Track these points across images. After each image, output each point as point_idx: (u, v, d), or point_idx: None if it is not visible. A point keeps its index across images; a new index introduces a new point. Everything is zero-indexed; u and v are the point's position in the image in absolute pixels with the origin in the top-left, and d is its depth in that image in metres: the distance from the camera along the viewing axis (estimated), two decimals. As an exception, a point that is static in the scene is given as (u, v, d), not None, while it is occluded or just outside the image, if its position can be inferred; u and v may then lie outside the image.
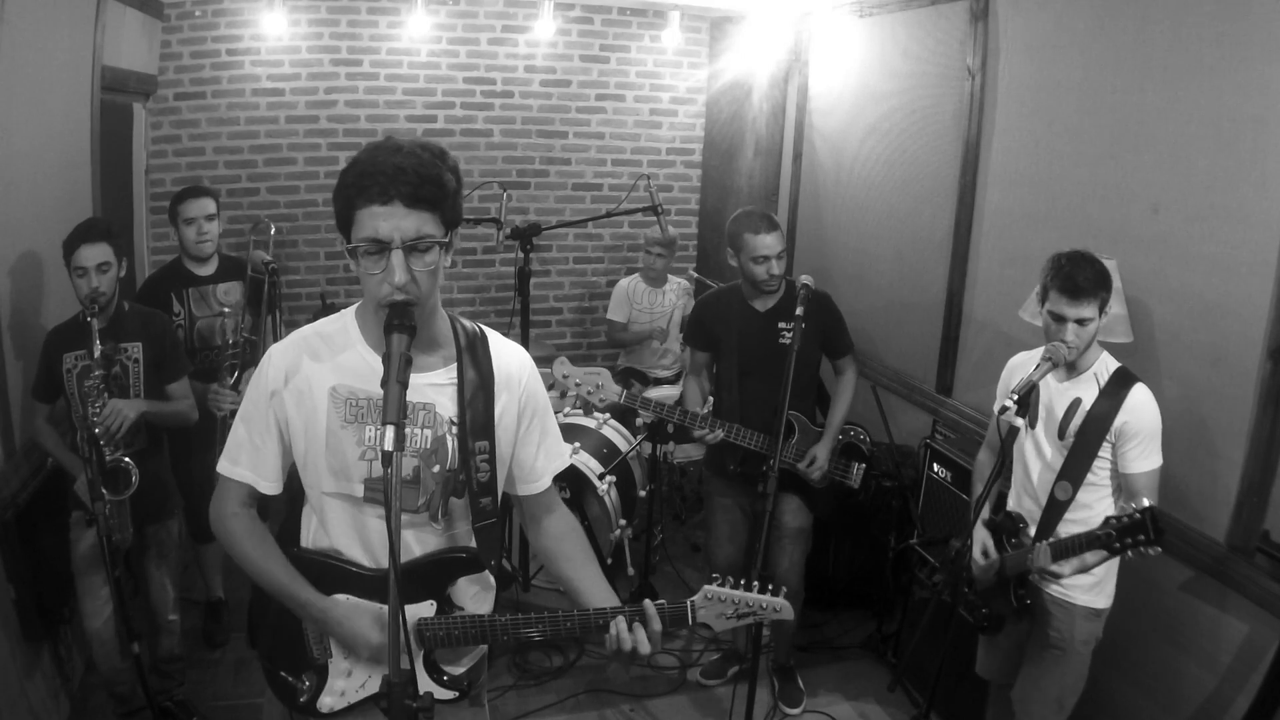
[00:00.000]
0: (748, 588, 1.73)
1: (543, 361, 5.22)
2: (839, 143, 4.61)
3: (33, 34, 3.00)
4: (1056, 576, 2.37)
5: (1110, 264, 2.72)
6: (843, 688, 3.52)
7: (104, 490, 2.58)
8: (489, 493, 1.69)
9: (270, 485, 1.68)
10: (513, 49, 5.23)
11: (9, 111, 2.85)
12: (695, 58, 5.57)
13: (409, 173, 1.45)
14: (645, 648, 1.67)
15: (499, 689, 3.35)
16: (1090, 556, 2.28)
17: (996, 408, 2.71)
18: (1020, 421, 2.36)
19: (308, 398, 1.62)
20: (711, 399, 3.39)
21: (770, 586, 1.75)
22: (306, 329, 1.69)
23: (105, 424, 2.61)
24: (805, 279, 3.03)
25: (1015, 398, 2.29)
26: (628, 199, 4.78)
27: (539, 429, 1.79)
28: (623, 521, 4.02)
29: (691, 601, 1.72)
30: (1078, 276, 2.31)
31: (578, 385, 3.06)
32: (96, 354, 2.63)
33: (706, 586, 1.72)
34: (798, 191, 5.05)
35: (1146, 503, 2.16)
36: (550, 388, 3.90)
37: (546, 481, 1.82)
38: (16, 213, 2.92)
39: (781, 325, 3.12)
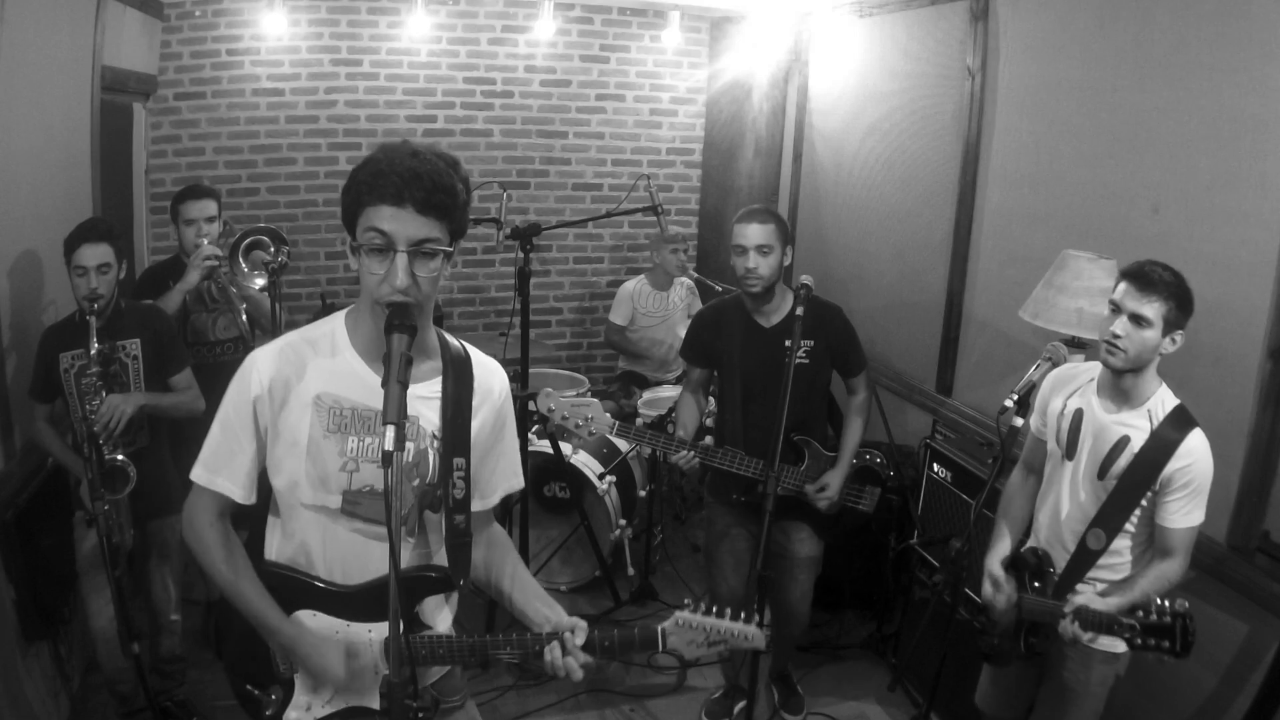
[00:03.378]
0: (720, 615, 1.70)
1: (541, 362, 5.20)
2: (839, 143, 4.62)
3: (33, 34, 3.00)
4: (1086, 643, 2.20)
5: (1110, 264, 2.72)
6: (843, 688, 3.52)
7: (103, 490, 2.58)
8: (463, 510, 1.65)
9: (245, 494, 1.64)
10: (513, 49, 5.23)
11: (9, 111, 2.85)
12: (695, 58, 5.57)
13: (425, 179, 1.44)
14: (576, 675, 1.65)
15: (499, 689, 3.35)
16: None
17: (1033, 424, 2.45)
18: (1020, 422, 2.33)
19: (291, 405, 1.59)
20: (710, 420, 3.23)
21: (744, 614, 1.72)
22: (293, 335, 1.66)
23: (103, 421, 2.61)
24: (805, 279, 2.87)
25: (1015, 397, 2.27)
26: (628, 199, 4.78)
27: (502, 447, 1.78)
28: (623, 521, 4.02)
29: (662, 628, 1.69)
30: (1152, 271, 2.09)
31: (565, 419, 2.85)
32: (93, 351, 2.63)
33: (678, 613, 1.70)
34: (798, 191, 5.05)
35: (1184, 605, 1.98)
36: (536, 421, 3.76)
37: (496, 499, 1.82)
38: (16, 212, 2.91)
39: (789, 344, 2.80)
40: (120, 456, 2.69)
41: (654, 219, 4.74)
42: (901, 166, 4.12)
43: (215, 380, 3.18)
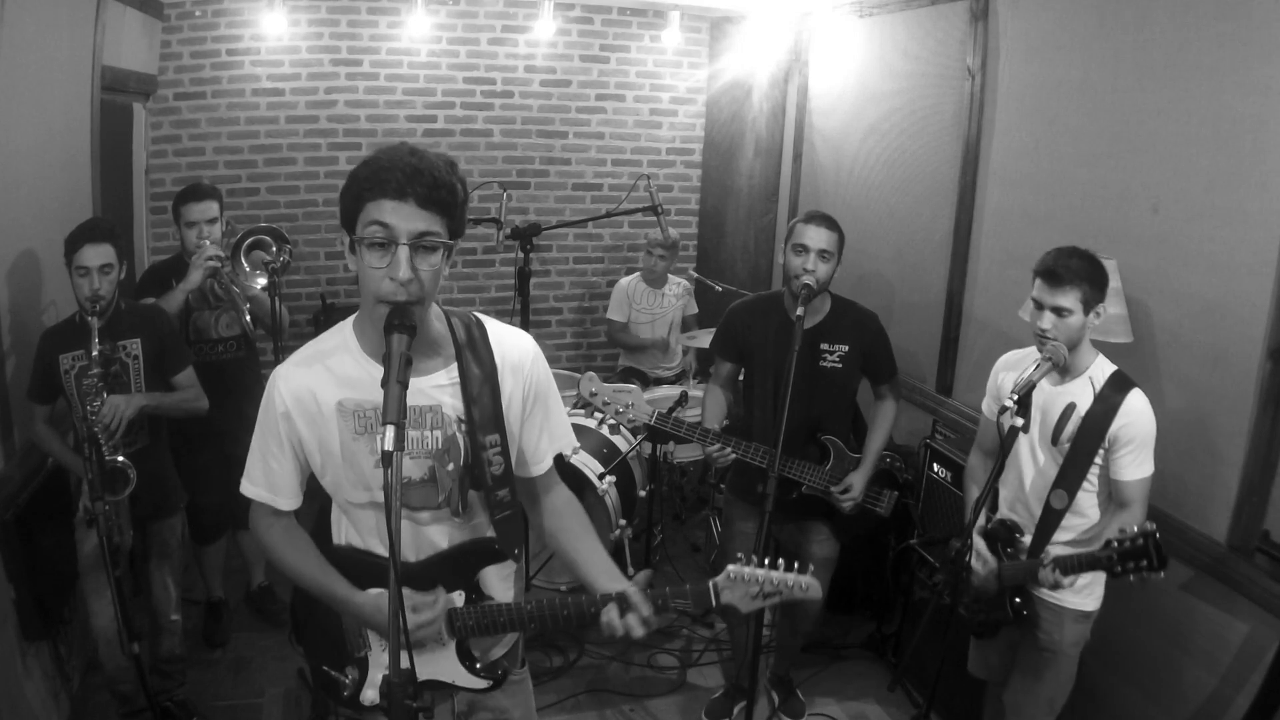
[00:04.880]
0: (773, 566, 1.68)
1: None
2: (839, 143, 4.62)
3: (33, 34, 3.00)
4: (1067, 587, 2.34)
5: (1110, 264, 2.71)
6: (843, 688, 3.52)
7: (103, 491, 2.58)
8: (505, 484, 1.72)
9: (287, 501, 1.73)
10: (513, 49, 5.23)
11: (9, 111, 2.85)
12: (695, 58, 5.57)
13: (425, 174, 1.48)
14: (637, 632, 1.66)
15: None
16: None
17: (985, 406, 2.70)
18: (1021, 422, 2.35)
19: (317, 416, 1.65)
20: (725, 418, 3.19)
21: (796, 564, 1.70)
22: (307, 347, 1.72)
23: (103, 422, 2.61)
24: (807, 279, 2.84)
25: (1015, 398, 2.28)
26: (628, 199, 4.78)
27: (542, 412, 1.80)
28: (623, 521, 4.02)
29: (714, 583, 1.68)
30: (1058, 264, 2.30)
31: (606, 404, 2.91)
32: (94, 353, 2.63)
33: (730, 566, 1.67)
34: (798, 191, 5.06)
35: (1151, 526, 2.13)
36: (578, 404, 3.85)
37: (548, 463, 1.84)
38: (16, 212, 2.91)
39: (824, 346, 2.92)
40: (121, 458, 2.69)
41: (654, 219, 4.74)
42: (901, 166, 4.12)
43: (217, 378, 3.26)
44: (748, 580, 1.66)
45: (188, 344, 3.25)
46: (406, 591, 1.69)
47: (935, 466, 3.49)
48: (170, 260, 3.47)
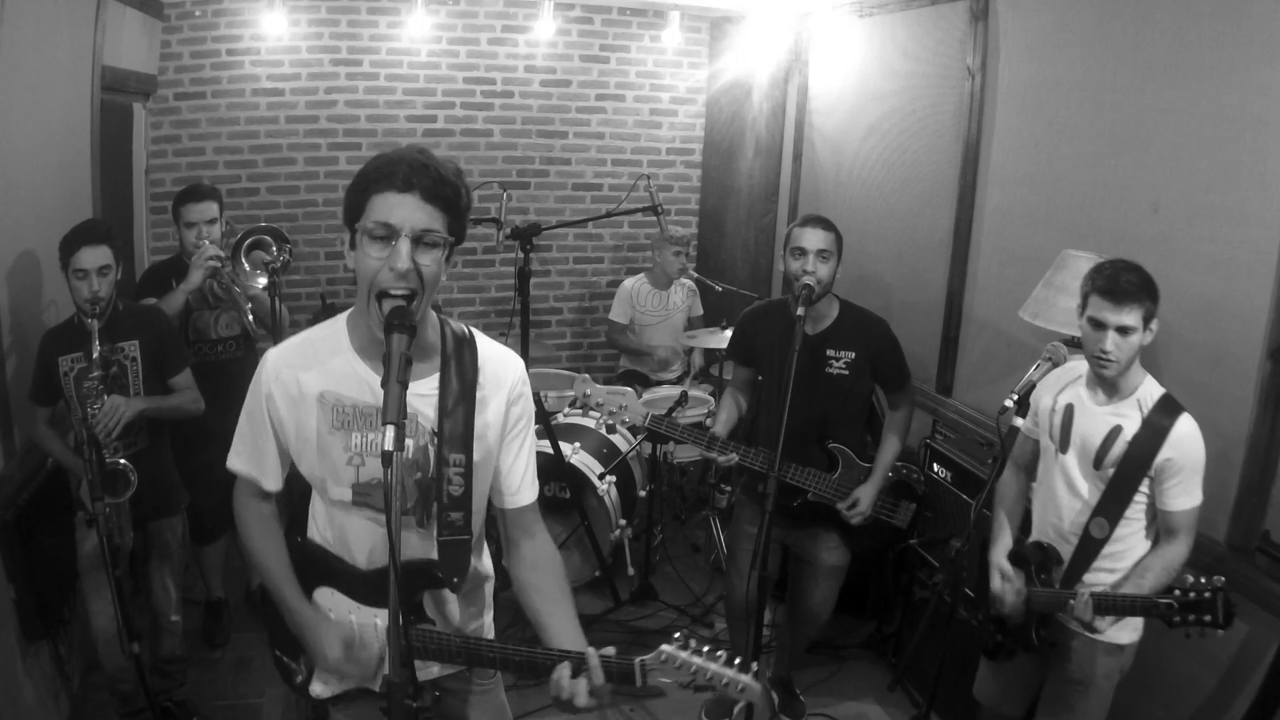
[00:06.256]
0: (712, 655, 1.51)
1: (541, 362, 5.18)
2: (839, 143, 4.62)
3: (33, 34, 3.00)
4: (1094, 630, 2.20)
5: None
6: (843, 688, 3.51)
7: (103, 492, 2.58)
8: (461, 508, 1.63)
9: (270, 481, 1.75)
10: (513, 49, 5.23)
11: (9, 111, 2.85)
12: (695, 58, 5.57)
13: (431, 170, 1.49)
14: (581, 701, 1.54)
15: (499, 689, 3.34)
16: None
17: (1024, 425, 2.52)
18: (1020, 422, 2.34)
19: (299, 402, 1.65)
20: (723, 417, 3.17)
21: (739, 660, 1.54)
22: (300, 335, 1.72)
23: (102, 421, 2.61)
24: (808, 280, 2.83)
25: (1015, 397, 2.27)
26: (628, 199, 4.78)
27: (522, 437, 1.76)
28: (623, 521, 4.02)
29: (641, 662, 1.53)
30: (1121, 279, 2.14)
31: (600, 405, 2.91)
32: (95, 355, 2.63)
33: (664, 646, 1.52)
34: (798, 191, 5.06)
35: (1220, 580, 2.04)
36: (573, 404, 3.80)
37: (528, 496, 1.78)
38: (16, 213, 2.91)
39: (830, 352, 2.91)
40: (122, 461, 2.69)
41: (654, 219, 4.74)
42: (901, 166, 4.12)
43: (217, 378, 3.26)
44: (680, 666, 1.50)
45: (188, 344, 3.25)
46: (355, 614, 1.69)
47: (935, 466, 3.49)
48: (170, 260, 3.47)
